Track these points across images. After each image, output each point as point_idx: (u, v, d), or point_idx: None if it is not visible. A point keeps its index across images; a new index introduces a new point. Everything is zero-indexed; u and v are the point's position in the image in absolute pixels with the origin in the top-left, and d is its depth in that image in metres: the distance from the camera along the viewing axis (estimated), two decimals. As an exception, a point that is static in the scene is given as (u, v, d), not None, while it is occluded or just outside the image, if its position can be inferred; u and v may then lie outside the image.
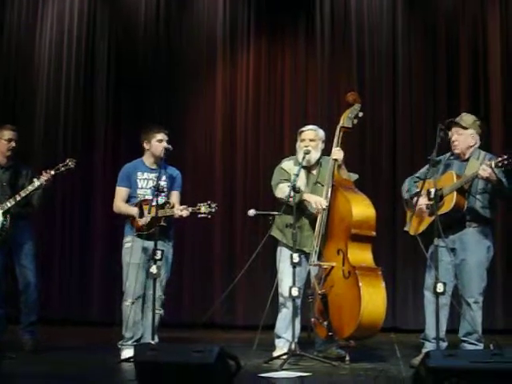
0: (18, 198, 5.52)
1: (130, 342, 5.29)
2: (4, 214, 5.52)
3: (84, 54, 8.33)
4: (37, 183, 5.50)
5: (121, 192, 5.53)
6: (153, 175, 5.46)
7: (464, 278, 4.96)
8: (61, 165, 5.55)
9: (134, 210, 5.38)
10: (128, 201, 5.50)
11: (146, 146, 5.51)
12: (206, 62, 8.13)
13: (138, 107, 8.01)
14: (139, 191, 5.48)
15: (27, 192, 5.51)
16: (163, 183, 5.40)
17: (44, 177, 5.48)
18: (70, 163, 5.56)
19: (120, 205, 5.51)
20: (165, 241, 5.38)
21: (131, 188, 5.50)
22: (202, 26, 8.17)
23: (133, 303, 5.32)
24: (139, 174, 5.50)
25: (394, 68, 7.67)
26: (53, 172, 5.51)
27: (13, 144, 5.71)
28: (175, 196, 5.52)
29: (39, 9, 8.46)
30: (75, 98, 8.28)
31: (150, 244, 5.26)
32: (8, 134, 5.71)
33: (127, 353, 5.16)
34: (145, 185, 5.49)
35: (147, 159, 5.54)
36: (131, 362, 4.62)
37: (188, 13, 8.25)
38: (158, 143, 5.44)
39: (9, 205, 5.53)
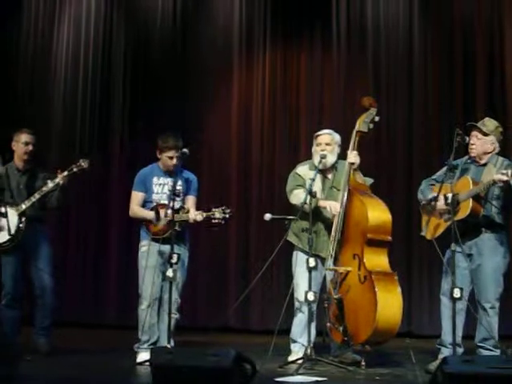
0: (33, 200, 5.56)
1: (146, 345, 5.31)
2: (19, 215, 5.57)
3: (101, 59, 8.39)
4: (50, 184, 5.53)
5: (136, 196, 5.55)
6: (168, 180, 5.47)
7: (480, 284, 4.94)
8: (73, 166, 5.58)
9: (151, 214, 5.40)
10: (143, 205, 5.52)
11: (158, 155, 5.53)
12: (222, 67, 8.14)
13: (154, 111, 8.03)
14: (154, 196, 5.50)
15: (41, 194, 5.55)
16: (179, 187, 5.42)
17: (57, 178, 5.53)
18: (82, 164, 5.58)
19: (136, 209, 5.54)
20: (180, 245, 5.39)
21: (147, 193, 5.52)
22: (218, 31, 8.19)
23: (149, 306, 5.33)
24: (155, 179, 5.52)
25: (410, 73, 7.64)
26: (66, 173, 5.54)
27: (30, 147, 5.75)
28: (191, 201, 5.52)
29: (56, 16, 8.55)
30: (92, 104, 8.35)
31: (166, 248, 5.27)
32: (25, 137, 5.75)
33: (143, 356, 5.19)
34: (160, 190, 5.50)
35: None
36: (147, 366, 4.65)
37: (204, 17, 8.26)
38: (167, 159, 5.45)
39: (24, 207, 5.57)
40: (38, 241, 5.70)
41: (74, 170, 5.57)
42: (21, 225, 5.56)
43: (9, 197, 5.68)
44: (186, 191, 5.52)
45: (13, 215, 5.56)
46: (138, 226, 5.59)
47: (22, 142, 5.74)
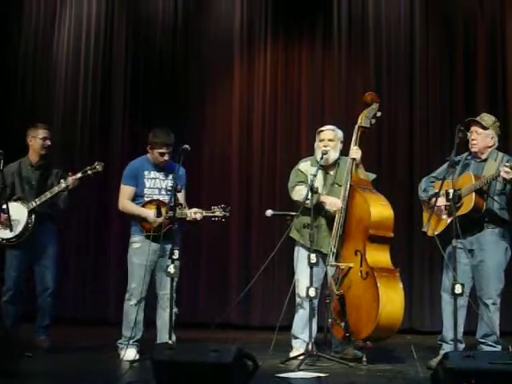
0: (44, 199, 5.55)
1: (131, 342, 5.24)
2: (29, 212, 5.56)
3: (101, 58, 8.36)
4: (63, 185, 5.52)
5: (128, 190, 5.43)
6: (160, 174, 5.42)
7: (482, 279, 4.94)
8: (88, 168, 5.54)
9: (147, 213, 5.29)
10: (133, 200, 5.42)
11: (148, 149, 5.44)
12: (223, 64, 8.13)
13: (155, 110, 8.01)
14: (146, 191, 5.40)
15: (53, 193, 5.54)
16: (171, 183, 5.33)
17: (71, 179, 5.50)
18: (97, 166, 5.54)
19: (127, 204, 5.42)
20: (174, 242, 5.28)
21: (137, 187, 5.42)
22: (219, 28, 8.17)
23: (137, 304, 5.31)
24: (146, 173, 5.43)
25: (412, 69, 7.63)
26: (79, 175, 5.52)
27: (48, 142, 5.75)
28: (182, 195, 5.36)
29: (56, 14, 8.52)
30: (92, 102, 8.33)
31: (157, 246, 5.22)
32: (43, 132, 5.75)
33: (130, 352, 5.18)
34: (152, 184, 5.42)
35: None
36: (136, 363, 4.80)
37: (205, 14, 8.24)
38: (158, 155, 5.38)
39: (34, 204, 5.56)
40: (46, 240, 5.69)
41: (89, 172, 5.54)
42: (30, 222, 5.54)
43: (20, 192, 5.68)
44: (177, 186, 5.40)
45: (23, 211, 5.55)
46: (128, 221, 5.52)
47: (40, 138, 5.72)
